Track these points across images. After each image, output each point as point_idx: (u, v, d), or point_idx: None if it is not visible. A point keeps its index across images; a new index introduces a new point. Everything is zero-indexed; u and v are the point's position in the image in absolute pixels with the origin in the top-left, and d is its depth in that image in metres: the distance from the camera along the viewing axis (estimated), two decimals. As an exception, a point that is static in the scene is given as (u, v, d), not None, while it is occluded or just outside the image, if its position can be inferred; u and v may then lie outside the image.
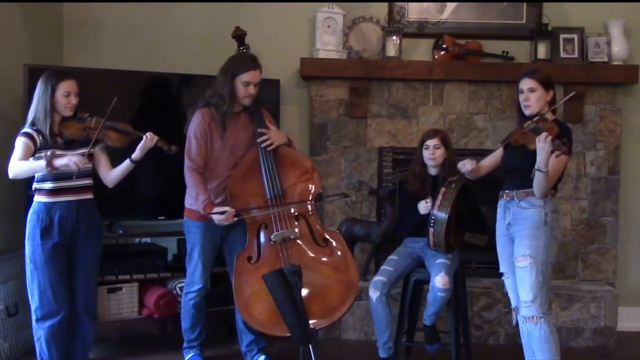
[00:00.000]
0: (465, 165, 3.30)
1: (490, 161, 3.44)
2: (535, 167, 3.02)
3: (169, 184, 4.07)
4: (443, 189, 3.37)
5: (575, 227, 4.55)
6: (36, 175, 3.26)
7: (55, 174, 3.22)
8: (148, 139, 3.34)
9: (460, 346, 3.64)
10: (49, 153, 3.13)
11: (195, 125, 3.53)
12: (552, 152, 2.94)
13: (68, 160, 3.11)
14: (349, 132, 4.54)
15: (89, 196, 3.37)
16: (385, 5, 4.64)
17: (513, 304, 3.28)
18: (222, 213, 3.39)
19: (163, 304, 4.00)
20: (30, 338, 3.90)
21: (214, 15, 4.63)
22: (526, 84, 3.20)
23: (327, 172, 4.50)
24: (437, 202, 3.34)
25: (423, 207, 3.54)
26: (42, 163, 3.11)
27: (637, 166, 4.69)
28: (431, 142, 3.61)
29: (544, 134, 2.97)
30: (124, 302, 4.00)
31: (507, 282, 3.31)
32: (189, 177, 3.51)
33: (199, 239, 3.62)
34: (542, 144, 2.95)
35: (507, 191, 3.27)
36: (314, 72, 4.45)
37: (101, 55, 4.53)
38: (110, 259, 3.91)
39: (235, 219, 3.44)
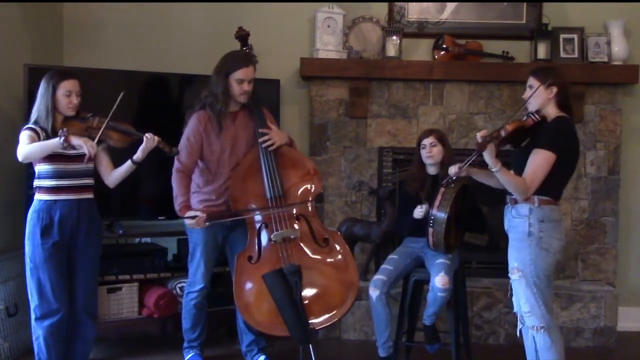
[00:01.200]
0: (451, 169, 3.23)
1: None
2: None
3: (169, 184, 4.06)
4: (442, 189, 3.36)
5: (575, 227, 4.55)
6: (37, 171, 3.26)
7: (56, 172, 3.22)
8: (149, 140, 3.33)
9: (460, 346, 3.64)
10: (65, 129, 3.14)
11: (189, 127, 3.56)
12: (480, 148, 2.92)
13: (83, 142, 3.13)
14: (349, 132, 4.54)
15: (90, 196, 3.36)
16: (385, 5, 4.64)
17: (515, 308, 3.27)
18: (193, 217, 3.42)
19: (163, 304, 3.99)
20: (30, 338, 3.89)
21: (214, 15, 4.63)
22: (528, 81, 3.20)
23: (327, 172, 4.50)
24: (437, 202, 3.33)
25: (417, 212, 3.54)
26: (56, 140, 3.11)
27: (637, 166, 4.69)
28: (427, 141, 3.62)
29: (479, 133, 2.97)
30: (124, 302, 4.00)
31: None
32: (174, 178, 3.56)
33: (201, 239, 3.62)
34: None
35: (506, 196, 3.22)
36: (314, 72, 4.45)
37: (101, 55, 4.53)
38: (110, 259, 3.90)
39: (207, 223, 3.46)
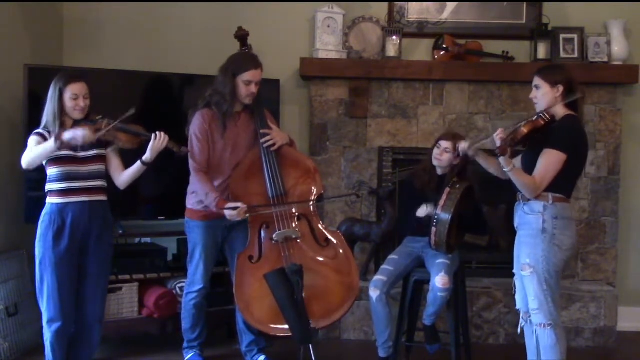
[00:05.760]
0: (461, 144, 3.27)
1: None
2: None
3: (169, 184, 4.07)
4: (448, 189, 3.36)
5: (575, 227, 4.54)
6: (48, 175, 3.23)
7: (65, 175, 3.20)
8: (158, 140, 3.31)
9: (460, 346, 3.64)
10: (57, 129, 3.10)
11: (195, 126, 3.54)
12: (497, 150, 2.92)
13: (74, 132, 3.06)
14: (349, 132, 4.54)
15: (102, 198, 3.34)
16: (385, 5, 4.64)
17: (518, 305, 3.27)
18: (234, 209, 3.38)
19: (163, 304, 3.99)
20: (30, 338, 3.92)
21: (214, 15, 4.63)
22: (534, 81, 3.19)
23: (327, 172, 4.50)
24: (441, 202, 3.33)
25: (420, 211, 3.52)
26: (50, 142, 3.07)
27: (637, 166, 4.69)
28: (445, 144, 3.56)
29: (496, 133, 2.97)
30: (124, 302, 4.00)
31: (517, 282, 3.27)
32: (196, 178, 3.52)
33: (200, 239, 3.62)
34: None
35: (517, 193, 3.21)
36: (314, 72, 4.45)
37: (101, 55, 4.53)
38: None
39: (247, 215, 3.43)
